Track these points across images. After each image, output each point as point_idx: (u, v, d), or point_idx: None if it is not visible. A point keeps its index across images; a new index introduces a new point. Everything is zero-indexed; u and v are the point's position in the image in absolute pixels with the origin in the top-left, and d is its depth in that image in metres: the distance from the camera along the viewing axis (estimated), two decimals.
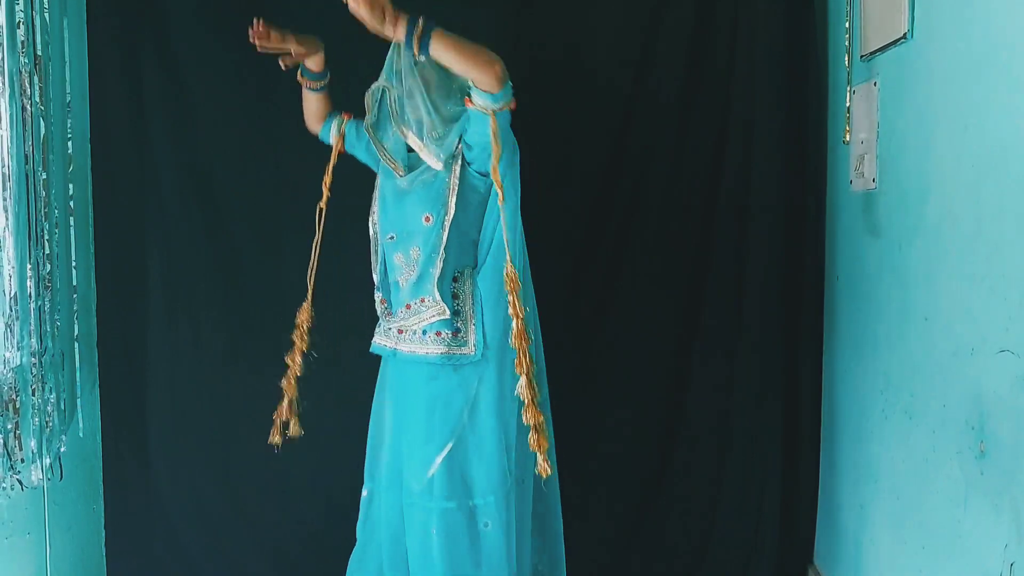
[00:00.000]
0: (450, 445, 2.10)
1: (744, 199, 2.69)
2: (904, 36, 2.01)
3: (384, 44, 2.65)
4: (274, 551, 2.79)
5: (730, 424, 2.75)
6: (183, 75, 2.68)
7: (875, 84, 2.22)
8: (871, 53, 2.23)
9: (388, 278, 2.21)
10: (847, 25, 2.40)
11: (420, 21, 1.93)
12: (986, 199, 1.65)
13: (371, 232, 2.23)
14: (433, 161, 2.07)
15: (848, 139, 2.41)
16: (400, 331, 2.16)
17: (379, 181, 2.24)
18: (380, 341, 2.22)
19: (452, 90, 2.07)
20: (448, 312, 2.09)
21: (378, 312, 2.24)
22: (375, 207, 2.23)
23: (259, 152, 2.73)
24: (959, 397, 1.76)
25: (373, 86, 2.17)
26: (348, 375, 2.62)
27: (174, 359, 2.75)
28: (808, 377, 2.70)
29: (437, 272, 2.08)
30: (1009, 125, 1.56)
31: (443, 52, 1.94)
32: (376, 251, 2.23)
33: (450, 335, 2.10)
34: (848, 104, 2.40)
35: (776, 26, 2.62)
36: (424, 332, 2.12)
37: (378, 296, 2.23)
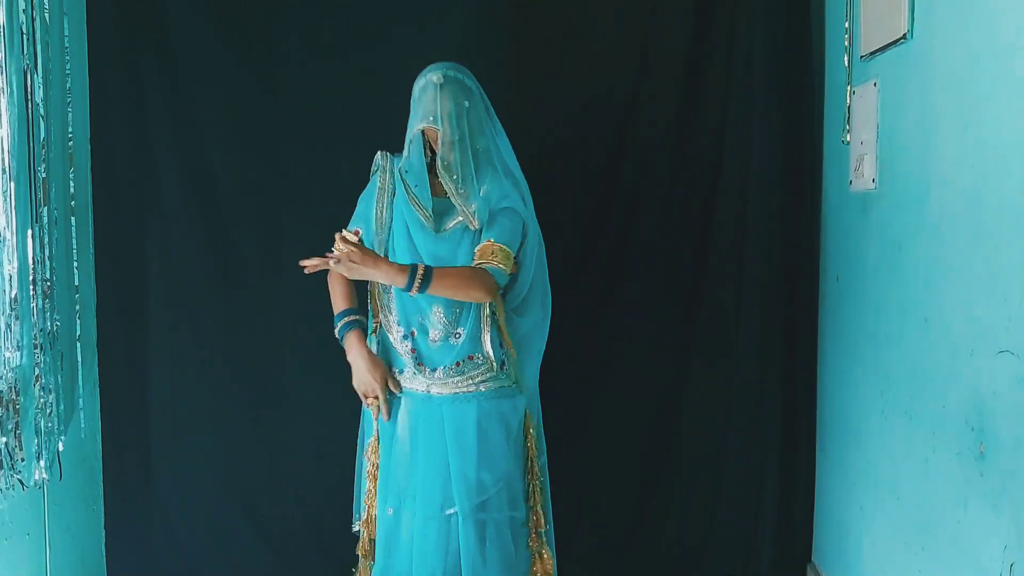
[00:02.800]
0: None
1: (742, 200, 2.70)
2: (904, 36, 2.01)
3: (383, 48, 2.67)
4: (274, 551, 2.79)
5: (728, 424, 2.75)
6: (183, 75, 2.68)
7: (875, 84, 2.22)
8: (871, 53, 2.23)
9: (410, 325, 2.12)
10: (847, 25, 2.40)
11: (419, 271, 1.96)
12: (986, 199, 1.65)
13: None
14: (471, 220, 2.07)
15: (848, 139, 2.41)
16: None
17: (393, 230, 2.14)
18: (409, 386, 2.13)
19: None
20: (496, 366, 2.11)
21: (405, 360, 2.12)
22: (393, 254, 2.13)
23: (259, 151, 2.73)
24: (959, 398, 1.75)
25: (416, 127, 2.07)
26: (348, 377, 2.62)
27: (174, 359, 2.75)
28: (805, 377, 2.71)
29: (487, 335, 2.10)
30: (1009, 125, 1.56)
31: (440, 290, 2.00)
32: (386, 296, 2.14)
33: (497, 368, 2.13)
34: (848, 104, 2.40)
35: (775, 26, 2.62)
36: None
37: (406, 345, 2.11)
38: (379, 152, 2.16)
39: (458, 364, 2.10)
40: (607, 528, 2.80)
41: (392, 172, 2.14)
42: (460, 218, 2.09)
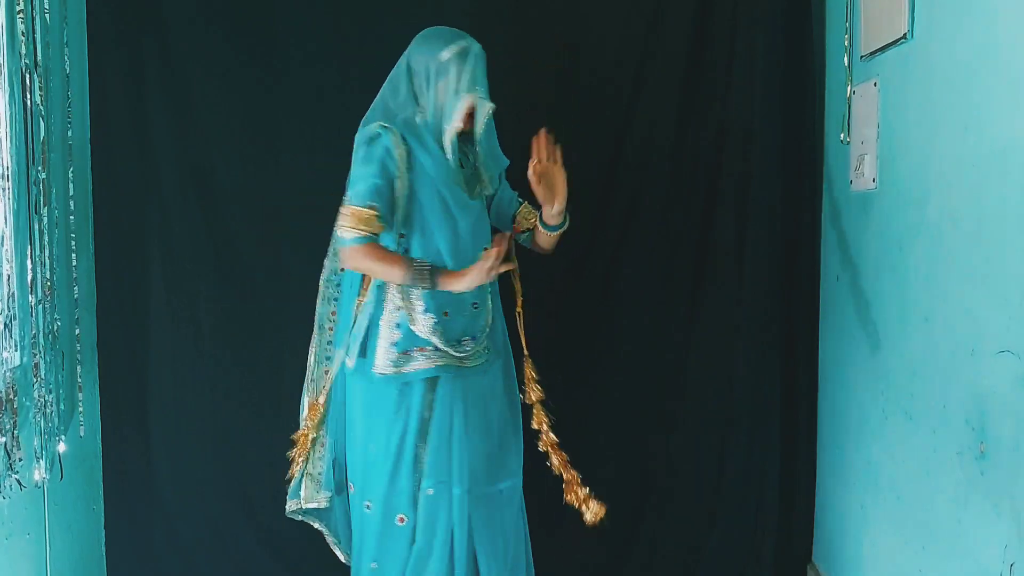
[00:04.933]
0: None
1: (742, 200, 2.69)
2: (904, 36, 2.01)
3: (383, 48, 2.67)
4: (275, 551, 2.79)
5: (728, 424, 2.75)
6: (183, 75, 2.68)
7: (875, 84, 2.22)
8: (871, 53, 2.23)
9: (440, 308, 2.13)
10: (847, 25, 2.40)
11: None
12: (986, 199, 1.65)
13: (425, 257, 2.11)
14: (488, 187, 2.22)
15: (848, 139, 2.41)
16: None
17: (423, 206, 2.11)
18: (446, 362, 2.14)
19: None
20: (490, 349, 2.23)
21: (438, 344, 2.12)
22: (422, 234, 2.13)
23: (259, 151, 2.73)
24: (959, 397, 1.75)
25: (489, 106, 2.08)
26: None
27: (174, 359, 2.75)
28: (805, 377, 2.71)
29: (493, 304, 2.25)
30: (1009, 125, 1.56)
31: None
32: (407, 291, 2.14)
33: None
34: (848, 104, 2.40)
35: (775, 26, 2.62)
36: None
37: (438, 332, 2.12)
38: (376, 125, 2.08)
39: (474, 337, 2.18)
40: (606, 528, 2.80)
41: (407, 144, 2.07)
42: (480, 185, 2.20)
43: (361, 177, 2.06)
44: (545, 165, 2.10)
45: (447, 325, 2.13)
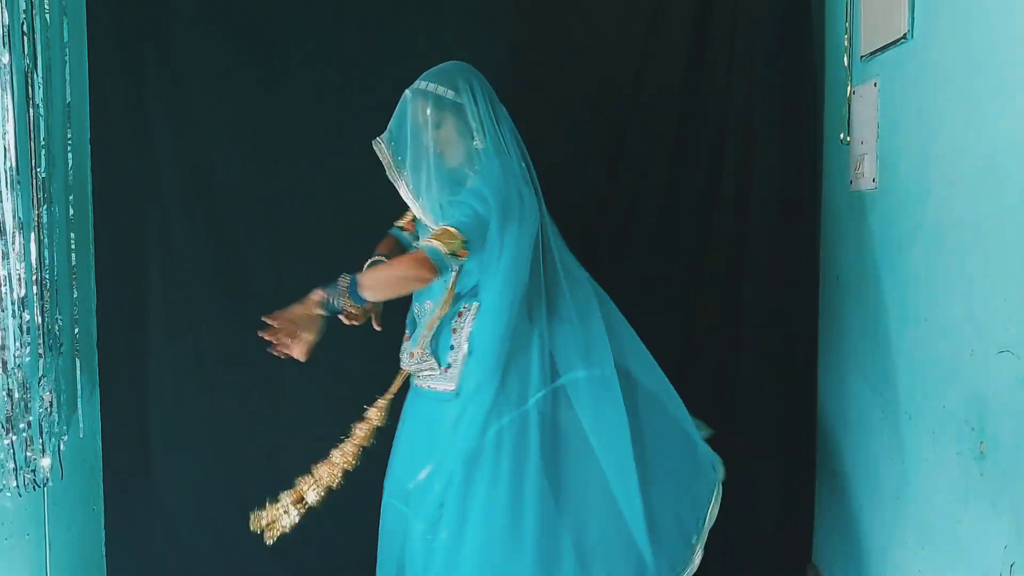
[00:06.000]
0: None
1: (741, 200, 2.69)
2: (904, 36, 2.01)
3: (383, 48, 2.67)
4: (275, 551, 2.78)
5: (727, 424, 2.75)
6: (183, 75, 2.68)
7: (875, 84, 2.22)
8: (871, 53, 2.23)
9: (414, 324, 2.20)
10: (847, 25, 2.40)
11: (339, 285, 1.98)
12: (986, 199, 1.65)
13: None
14: (427, 218, 2.08)
15: (847, 139, 2.41)
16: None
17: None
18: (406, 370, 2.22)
19: (459, 160, 2.09)
20: (438, 368, 2.10)
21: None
22: None
23: (260, 151, 2.73)
24: (959, 398, 1.75)
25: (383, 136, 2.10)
26: (349, 377, 2.62)
27: (174, 359, 2.75)
28: (805, 377, 2.71)
29: (429, 338, 2.10)
30: (1009, 125, 1.56)
31: (378, 292, 2.03)
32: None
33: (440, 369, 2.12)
34: (848, 104, 2.40)
35: (775, 26, 2.62)
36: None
37: (406, 336, 2.22)
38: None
39: (411, 354, 2.15)
40: None
41: None
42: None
43: None
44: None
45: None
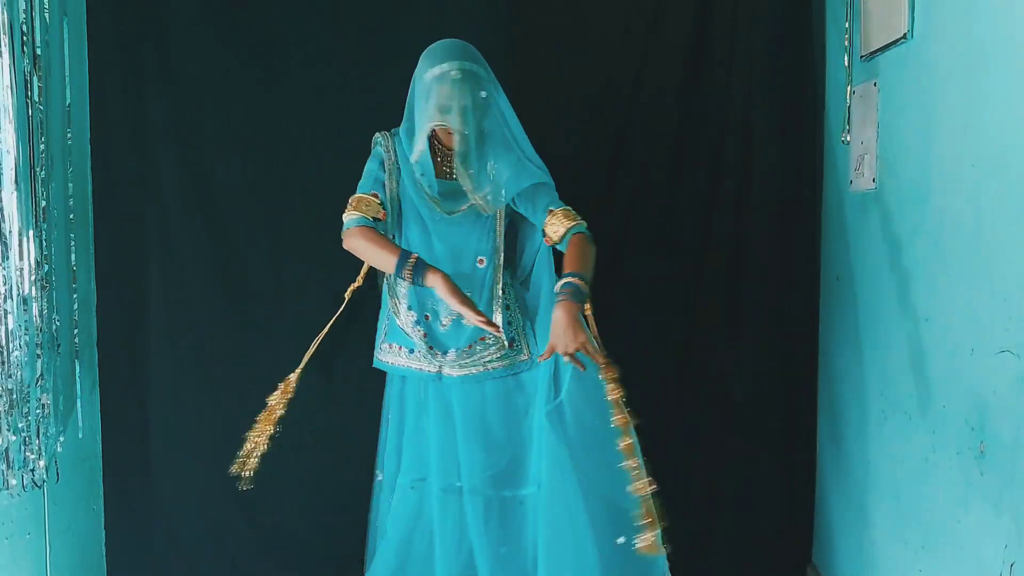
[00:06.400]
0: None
1: (742, 200, 2.70)
2: (904, 36, 2.01)
3: (383, 48, 2.67)
4: (275, 552, 2.79)
5: (727, 424, 2.75)
6: (183, 75, 2.68)
7: (875, 84, 2.22)
8: (871, 53, 2.23)
9: (423, 310, 2.18)
10: (847, 25, 2.40)
11: (583, 290, 2.00)
12: (986, 199, 1.65)
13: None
14: (483, 207, 2.13)
15: (848, 139, 2.41)
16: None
17: (405, 214, 2.19)
18: (418, 366, 2.20)
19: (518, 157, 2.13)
20: (506, 344, 2.16)
21: (417, 344, 2.18)
22: (407, 241, 2.19)
23: (260, 152, 2.73)
24: (959, 397, 1.76)
25: (430, 124, 2.08)
26: (348, 377, 2.62)
27: (174, 359, 2.75)
28: (805, 377, 2.72)
29: (498, 316, 2.14)
30: (1009, 125, 1.56)
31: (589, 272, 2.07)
32: (395, 284, 2.18)
33: (507, 346, 2.18)
34: (848, 104, 2.40)
35: (775, 26, 2.62)
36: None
37: (419, 331, 2.17)
38: (378, 133, 2.22)
39: (470, 347, 2.16)
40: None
41: (396, 153, 2.17)
42: (472, 202, 2.14)
43: (365, 172, 2.18)
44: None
45: (430, 328, 2.18)
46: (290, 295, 2.70)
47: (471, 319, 2.00)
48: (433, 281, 2.00)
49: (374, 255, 2.07)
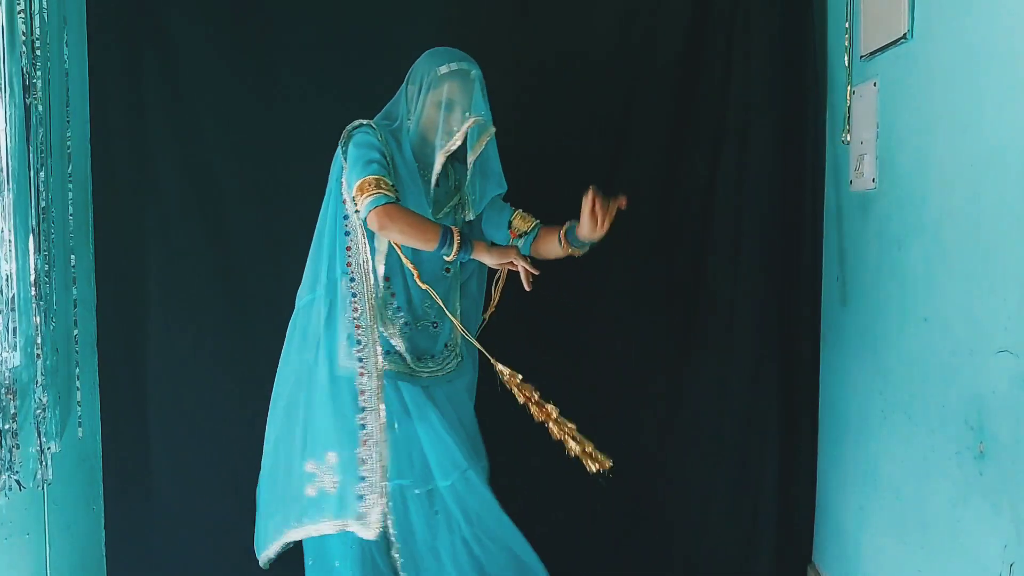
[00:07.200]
0: None
1: (741, 200, 2.69)
2: (904, 36, 2.01)
3: (383, 49, 2.67)
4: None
5: (727, 424, 2.75)
6: (183, 75, 2.68)
7: (875, 84, 2.22)
8: (871, 53, 2.23)
9: (412, 315, 2.24)
10: (847, 25, 2.40)
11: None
12: (985, 199, 1.65)
13: (382, 270, 2.17)
14: (469, 210, 2.23)
15: (848, 139, 2.41)
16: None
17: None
18: (396, 369, 2.21)
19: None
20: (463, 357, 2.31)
21: (399, 348, 2.22)
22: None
23: (259, 152, 2.73)
24: (958, 397, 1.76)
25: (491, 130, 2.13)
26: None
27: (174, 359, 2.75)
28: (806, 377, 2.71)
29: (458, 322, 2.24)
30: (1009, 125, 1.56)
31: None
32: (391, 288, 2.21)
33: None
34: (848, 104, 2.40)
35: (775, 26, 2.62)
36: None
37: (399, 341, 2.22)
38: (361, 123, 2.17)
39: (440, 352, 2.28)
40: (604, 527, 2.80)
41: (391, 147, 2.15)
42: (455, 205, 2.24)
43: (365, 158, 2.07)
44: (603, 208, 2.06)
45: (411, 337, 2.23)
46: (290, 295, 2.70)
47: (520, 264, 2.06)
48: (479, 250, 2.08)
49: (416, 230, 2.01)
